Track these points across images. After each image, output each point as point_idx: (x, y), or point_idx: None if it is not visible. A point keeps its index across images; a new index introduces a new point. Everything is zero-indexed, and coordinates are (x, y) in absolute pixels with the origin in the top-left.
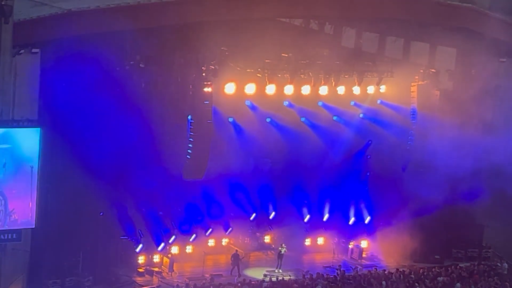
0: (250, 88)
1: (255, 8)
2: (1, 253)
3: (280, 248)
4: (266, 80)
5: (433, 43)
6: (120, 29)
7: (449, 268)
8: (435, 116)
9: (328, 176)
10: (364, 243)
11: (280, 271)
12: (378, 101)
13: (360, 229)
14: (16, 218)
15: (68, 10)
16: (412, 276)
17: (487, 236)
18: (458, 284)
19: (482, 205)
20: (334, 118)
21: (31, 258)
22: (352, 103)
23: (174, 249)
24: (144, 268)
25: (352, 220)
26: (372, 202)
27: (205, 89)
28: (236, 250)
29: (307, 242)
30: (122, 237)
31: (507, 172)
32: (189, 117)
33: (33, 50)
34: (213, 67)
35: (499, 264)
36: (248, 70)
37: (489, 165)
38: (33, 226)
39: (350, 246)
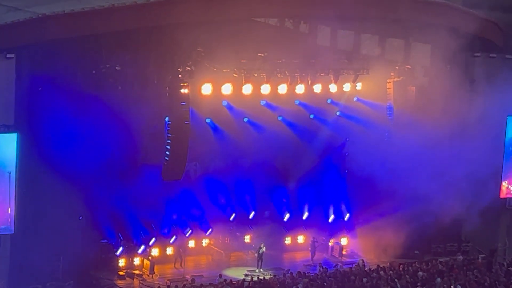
0: (227, 89)
1: (230, 9)
2: None
3: (259, 248)
4: (243, 80)
5: (408, 40)
6: (95, 33)
7: (429, 263)
8: (411, 112)
9: (307, 174)
10: (344, 240)
11: (261, 270)
12: (355, 99)
13: (339, 226)
14: None
15: (42, 14)
16: (392, 272)
17: (465, 230)
18: (438, 279)
19: (460, 199)
20: (311, 116)
21: (11, 264)
22: (329, 101)
23: (155, 251)
24: (124, 271)
25: (331, 217)
26: (351, 199)
27: (182, 90)
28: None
29: (287, 240)
30: (102, 241)
31: (483, 167)
32: (167, 118)
33: (8, 56)
34: (189, 68)
35: (477, 257)
36: (224, 71)
37: (466, 159)
38: (12, 232)
39: (330, 244)
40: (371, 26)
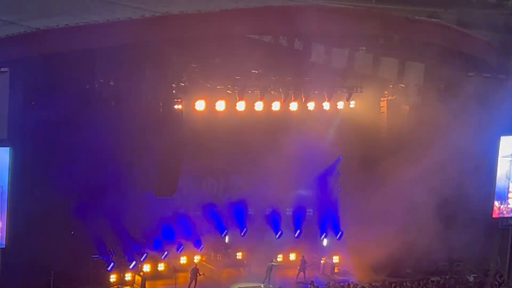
0: (220, 105)
1: (226, 26)
2: None
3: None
4: (236, 96)
5: (402, 58)
6: (89, 47)
7: (420, 282)
8: (404, 131)
9: (299, 191)
10: (336, 258)
11: (271, 286)
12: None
13: (331, 244)
14: None
15: (37, 29)
16: None
17: (457, 249)
18: None
19: (452, 218)
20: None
21: (1, 278)
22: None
23: (146, 267)
24: (116, 286)
25: (323, 235)
26: (344, 217)
27: (175, 106)
28: (196, 265)
29: (279, 258)
30: (94, 256)
31: (476, 186)
32: None
33: (2, 69)
34: (183, 84)
35: (468, 277)
36: (218, 87)
37: (458, 179)
38: (3, 246)
39: (322, 262)
40: (365, 44)
